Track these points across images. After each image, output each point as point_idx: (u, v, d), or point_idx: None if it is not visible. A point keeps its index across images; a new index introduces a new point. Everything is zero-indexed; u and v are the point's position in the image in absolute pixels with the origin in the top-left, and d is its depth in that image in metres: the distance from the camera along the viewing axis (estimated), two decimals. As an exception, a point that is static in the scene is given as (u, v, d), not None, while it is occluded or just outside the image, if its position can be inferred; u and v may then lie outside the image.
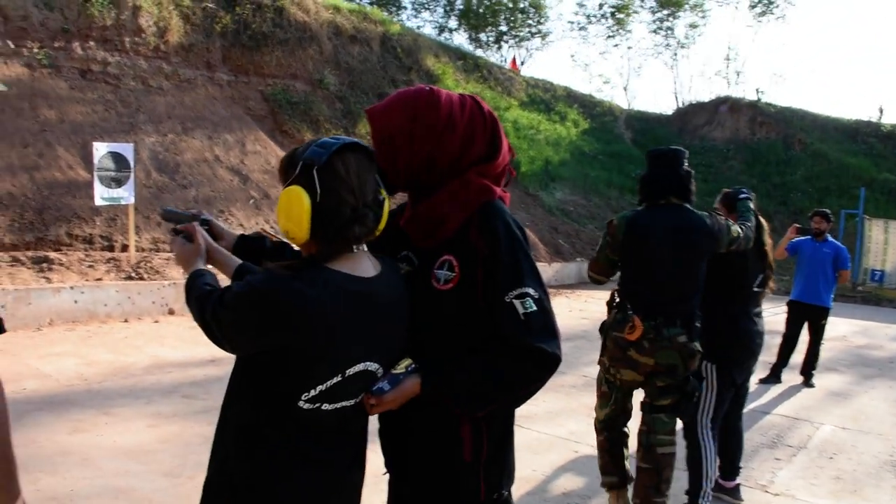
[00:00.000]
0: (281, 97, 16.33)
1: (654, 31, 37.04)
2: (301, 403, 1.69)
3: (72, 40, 13.15)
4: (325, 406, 1.72)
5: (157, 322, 9.55)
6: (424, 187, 1.94)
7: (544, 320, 1.82)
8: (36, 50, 12.48)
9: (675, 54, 37.14)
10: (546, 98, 27.09)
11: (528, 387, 1.85)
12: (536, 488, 4.75)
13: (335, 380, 1.71)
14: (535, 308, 1.81)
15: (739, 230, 4.15)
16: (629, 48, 59.29)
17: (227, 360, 6.87)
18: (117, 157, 10.11)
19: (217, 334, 1.74)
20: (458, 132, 1.91)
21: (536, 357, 1.79)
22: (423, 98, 1.91)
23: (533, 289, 1.83)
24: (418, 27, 32.32)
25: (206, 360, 7.47)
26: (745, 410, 4.79)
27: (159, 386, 6.58)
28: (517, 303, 1.80)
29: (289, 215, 1.70)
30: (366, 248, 1.83)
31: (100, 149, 10.04)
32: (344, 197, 1.71)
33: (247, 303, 1.66)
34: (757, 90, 30.99)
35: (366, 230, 1.76)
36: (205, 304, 1.76)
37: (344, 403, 1.76)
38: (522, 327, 1.79)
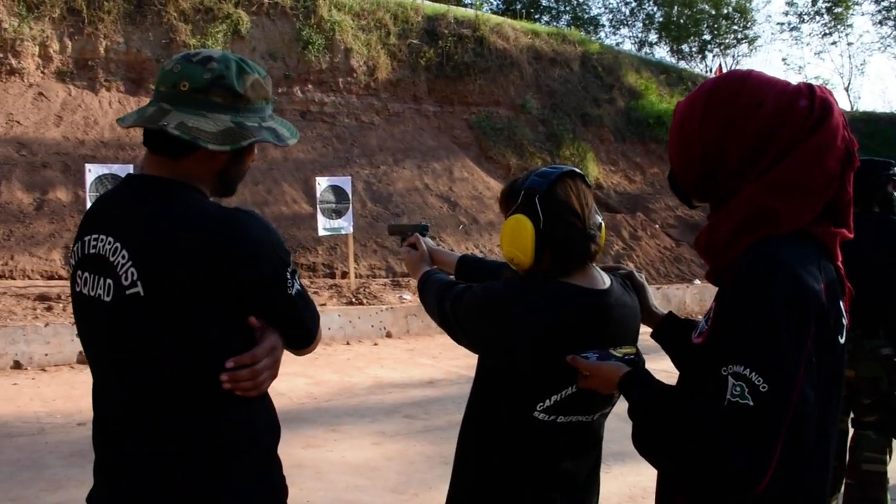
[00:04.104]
0: (485, 124, 16.75)
1: (880, 23, 33.95)
2: (537, 414, 1.73)
3: (293, 85, 14.31)
4: (561, 419, 1.75)
5: (375, 345, 10.04)
6: (714, 195, 1.58)
7: (753, 423, 1.32)
8: (263, 96, 13.68)
9: (907, 45, 33.77)
10: (757, 105, 25.79)
11: (704, 484, 1.41)
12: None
13: (569, 391, 1.73)
14: (748, 401, 1.32)
15: None
16: (849, 44, 54.68)
17: (445, 381, 7.04)
18: (337, 190, 10.87)
19: (454, 326, 1.85)
20: (765, 111, 1.48)
21: (717, 463, 1.33)
22: (730, 73, 1.57)
23: (761, 375, 1.33)
24: (617, 44, 31.89)
25: (424, 382, 7.77)
26: None
27: (382, 405, 6.92)
28: (731, 382, 1.35)
29: (513, 242, 1.76)
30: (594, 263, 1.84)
31: (321, 183, 10.86)
32: (570, 221, 1.75)
33: (484, 305, 1.77)
34: None
35: (596, 248, 1.79)
36: (445, 295, 1.89)
37: (580, 418, 1.78)
38: (720, 417, 1.34)
